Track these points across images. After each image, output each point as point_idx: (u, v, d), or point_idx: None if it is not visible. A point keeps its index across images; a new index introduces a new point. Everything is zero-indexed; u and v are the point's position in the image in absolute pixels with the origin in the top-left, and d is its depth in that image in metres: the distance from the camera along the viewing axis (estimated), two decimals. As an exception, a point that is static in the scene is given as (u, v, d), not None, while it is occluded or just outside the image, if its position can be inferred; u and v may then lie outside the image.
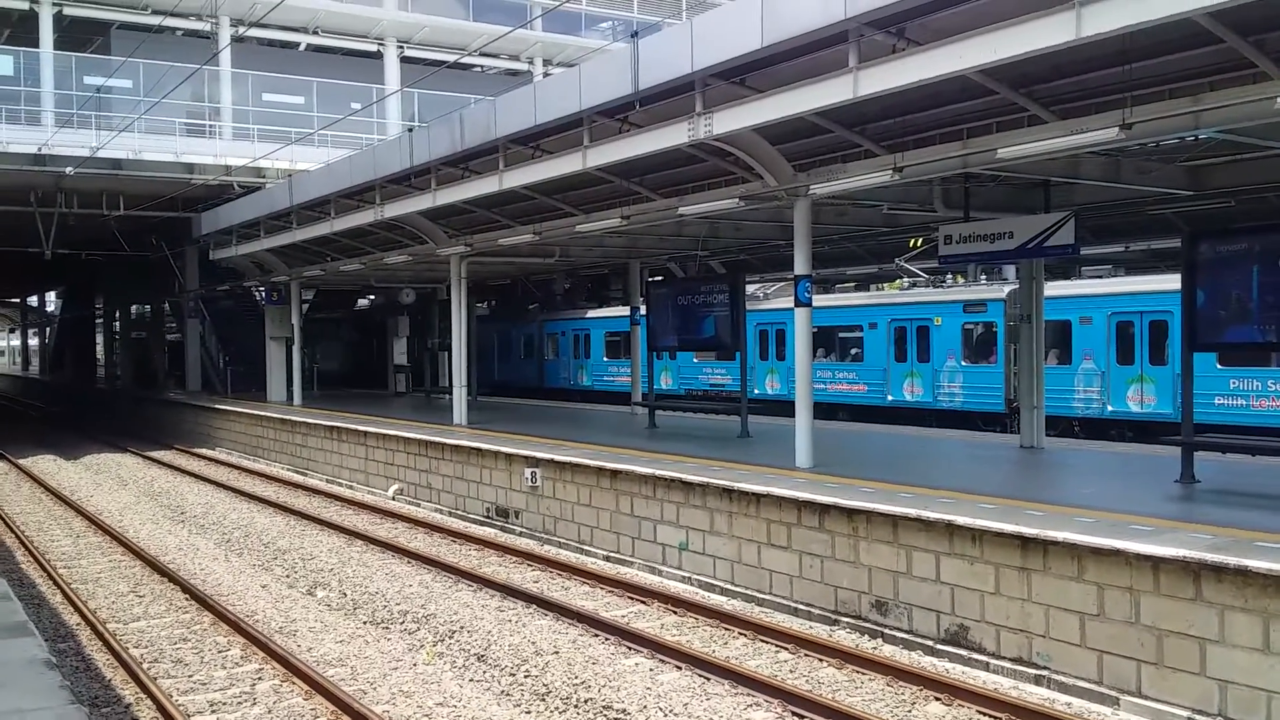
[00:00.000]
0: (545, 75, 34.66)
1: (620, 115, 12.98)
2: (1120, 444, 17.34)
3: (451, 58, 33.00)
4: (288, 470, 24.00)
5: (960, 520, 9.25)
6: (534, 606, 11.41)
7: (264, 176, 27.30)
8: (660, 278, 26.07)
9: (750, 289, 27.57)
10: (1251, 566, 7.35)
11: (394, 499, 19.18)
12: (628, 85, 12.00)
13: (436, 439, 18.19)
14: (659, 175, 15.15)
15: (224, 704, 8.62)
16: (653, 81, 11.74)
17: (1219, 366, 18.00)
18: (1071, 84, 10.21)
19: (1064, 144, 9.97)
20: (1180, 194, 13.40)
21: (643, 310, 20.71)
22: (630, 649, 9.81)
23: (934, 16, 9.23)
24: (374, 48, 34.62)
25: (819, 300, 24.38)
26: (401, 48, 34.62)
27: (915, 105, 11.23)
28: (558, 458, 14.79)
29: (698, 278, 23.11)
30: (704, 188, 14.79)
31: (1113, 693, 8.17)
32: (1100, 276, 22.57)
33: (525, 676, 9.09)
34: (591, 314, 35.49)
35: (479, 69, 37.69)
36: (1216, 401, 18.00)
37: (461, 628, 10.66)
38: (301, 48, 34.01)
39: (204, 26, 31.60)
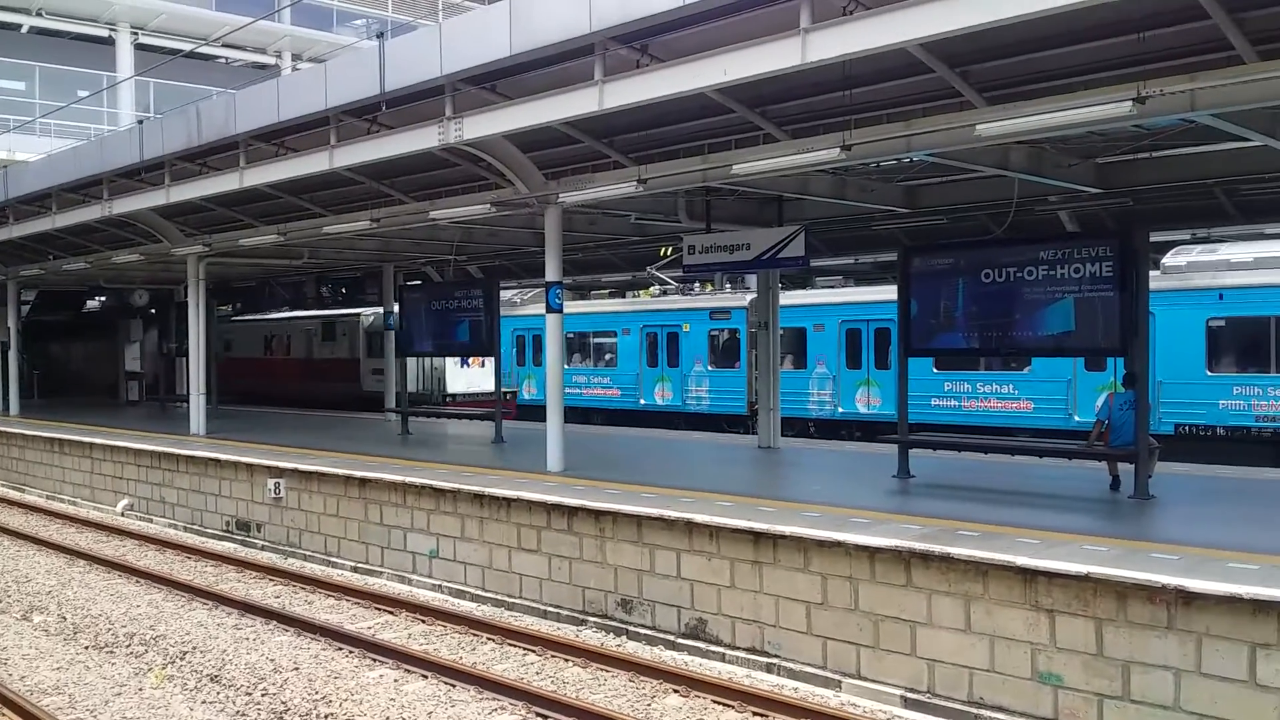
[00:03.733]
0: (295, 70, 33.45)
1: (369, 115, 12.72)
2: (849, 443, 18.52)
3: (191, 47, 31.29)
4: (2, 486, 22.02)
5: (699, 518, 9.65)
6: (274, 623, 10.99)
7: (-24, 167, 24.98)
8: (417, 282, 25.65)
9: (508, 295, 27.63)
10: (954, 553, 8.04)
11: (123, 515, 17.96)
12: (375, 86, 11.77)
13: (171, 450, 17.17)
14: (412, 178, 14.93)
15: (-84, 744, 7.87)
16: (401, 83, 11.57)
17: (935, 371, 19.51)
18: (801, 106, 10.82)
19: (791, 162, 10.58)
20: (899, 211, 14.44)
21: (396, 314, 20.36)
22: (375, 661, 9.63)
23: (675, 35, 9.56)
24: (105, 33, 32.33)
25: (575, 307, 24.83)
26: (136, 34, 32.51)
27: (662, 120, 11.59)
28: (303, 467, 14.31)
29: (452, 283, 22.89)
30: (458, 192, 14.68)
31: (836, 676, 8.72)
32: (834, 287, 24.04)
33: (262, 695, 8.76)
34: (344, 317, 34.37)
35: (223, 60, 35.92)
36: (933, 403, 19.52)
37: (194, 648, 10.14)
38: (24, 29, 31.38)
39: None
